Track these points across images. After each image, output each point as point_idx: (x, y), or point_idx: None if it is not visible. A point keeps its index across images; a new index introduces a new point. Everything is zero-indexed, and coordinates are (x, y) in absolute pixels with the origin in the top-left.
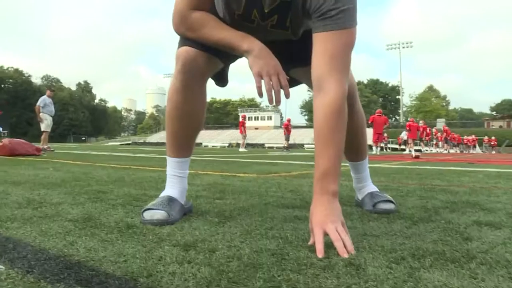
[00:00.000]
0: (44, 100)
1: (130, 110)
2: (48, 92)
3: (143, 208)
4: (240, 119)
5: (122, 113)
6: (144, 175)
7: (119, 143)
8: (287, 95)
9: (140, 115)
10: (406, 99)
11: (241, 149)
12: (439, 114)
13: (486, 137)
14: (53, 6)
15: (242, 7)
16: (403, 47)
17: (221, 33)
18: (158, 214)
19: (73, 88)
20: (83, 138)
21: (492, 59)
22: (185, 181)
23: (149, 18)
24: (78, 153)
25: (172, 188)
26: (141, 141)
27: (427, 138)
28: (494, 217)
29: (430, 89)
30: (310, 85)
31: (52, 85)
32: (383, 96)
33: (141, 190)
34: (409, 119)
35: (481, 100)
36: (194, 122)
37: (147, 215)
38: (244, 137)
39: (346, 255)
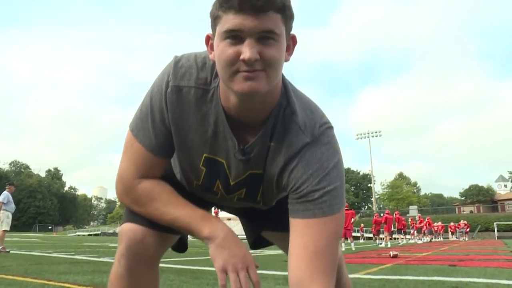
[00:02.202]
0: (7, 196)
1: (101, 198)
2: (11, 188)
3: None
4: (213, 214)
5: (92, 201)
6: None
7: (87, 233)
8: None
9: (111, 204)
10: (377, 187)
11: None
12: (411, 201)
13: (462, 221)
14: (28, 90)
15: (202, 178)
16: (372, 136)
17: (175, 211)
18: None
19: (43, 174)
20: (50, 227)
21: (455, 145)
22: None
23: (126, 106)
24: (36, 255)
25: None
26: (111, 231)
27: (403, 228)
28: None
29: (401, 176)
30: (285, 250)
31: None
32: (355, 184)
33: None
34: (385, 211)
35: (450, 185)
36: None
37: None
38: None
39: None
